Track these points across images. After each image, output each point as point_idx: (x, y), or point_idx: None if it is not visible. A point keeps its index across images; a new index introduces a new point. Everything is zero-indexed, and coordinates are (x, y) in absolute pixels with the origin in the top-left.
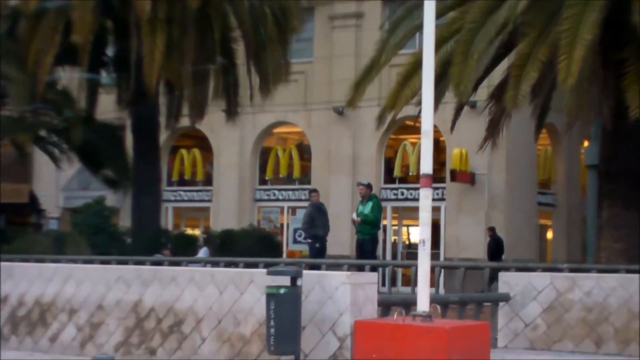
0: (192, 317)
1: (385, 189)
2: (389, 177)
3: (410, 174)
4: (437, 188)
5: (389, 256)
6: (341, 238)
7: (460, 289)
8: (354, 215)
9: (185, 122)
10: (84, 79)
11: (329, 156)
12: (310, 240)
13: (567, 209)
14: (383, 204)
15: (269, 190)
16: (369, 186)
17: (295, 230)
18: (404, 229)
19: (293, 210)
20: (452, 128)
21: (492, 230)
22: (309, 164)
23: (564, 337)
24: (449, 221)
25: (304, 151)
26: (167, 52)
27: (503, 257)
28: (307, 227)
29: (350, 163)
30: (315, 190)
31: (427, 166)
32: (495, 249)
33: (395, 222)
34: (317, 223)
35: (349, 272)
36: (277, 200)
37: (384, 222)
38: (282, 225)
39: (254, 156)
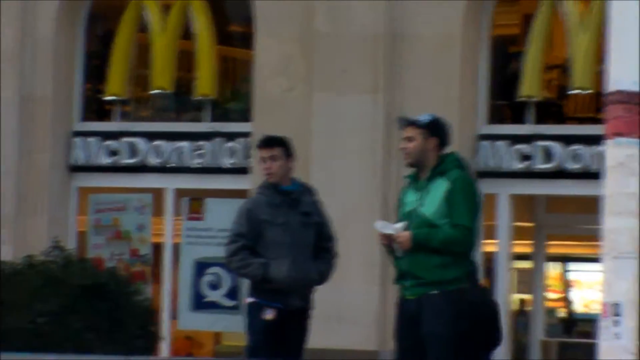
0: None
1: (493, 137)
2: (504, 106)
3: (576, 91)
4: None
5: None
6: (352, 292)
7: None
8: (382, 225)
9: None
10: None
11: (313, 33)
12: (251, 300)
13: None
14: (487, 187)
15: (112, 136)
16: (426, 127)
17: (200, 267)
18: (554, 270)
19: (194, 204)
20: None
21: None
22: (250, 53)
23: None
24: None
25: (236, 12)
26: None
27: None
28: (239, 258)
29: (379, 51)
30: (273, 142)
31: (627, 66)
32: None
33: (523, 247)
34: (268, 244)
35: None
36: (142, 169)
37: (486, 245)
38: (157, 247)
39: (71, 28)
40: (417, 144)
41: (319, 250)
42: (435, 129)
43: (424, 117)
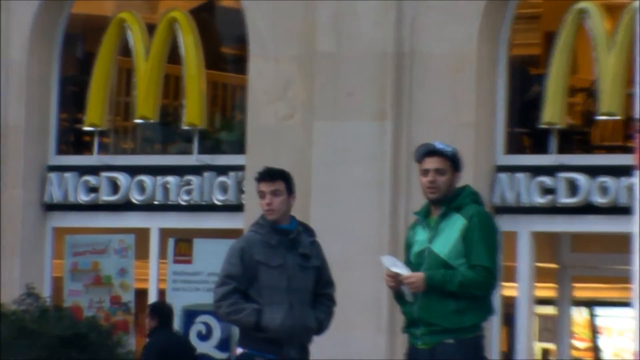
0: None
1: (512, 169)
2: (523, 133)
3: (603, 117)
4: None
5: None
6: (357, 341)
7: None
8: (389, 261)
9: None
10: None
11: (314, 53)
12: (241, 350)
13: None
14: (505, 224)
15: (90, 170)
16: (452, 160)
17: (189, 316)
18: (580, 315)
19: (181, 245)
20: None
21: None
22: (244, 78)
23: None
24: None
25: (227, 33)
26: None
27: None
28: (229, 302)
29: (387, 73)
30: (276, 175)
31: None
32: None
33: (546, 291)
34: (262, 288)
35: None
36: (124, 208)
37: (505, 288)
38: (141, 294)
39: (46, 52)
40: (448, 178)
41: (317, 296)
42: (459, 162)
43: (442, 146)
